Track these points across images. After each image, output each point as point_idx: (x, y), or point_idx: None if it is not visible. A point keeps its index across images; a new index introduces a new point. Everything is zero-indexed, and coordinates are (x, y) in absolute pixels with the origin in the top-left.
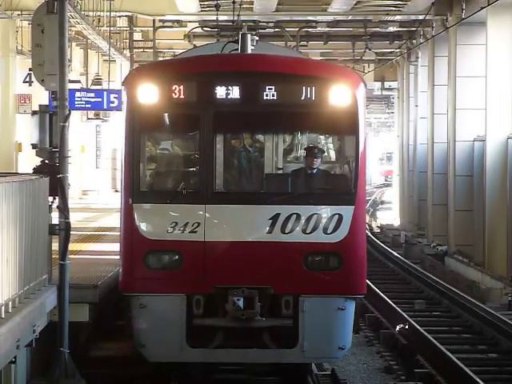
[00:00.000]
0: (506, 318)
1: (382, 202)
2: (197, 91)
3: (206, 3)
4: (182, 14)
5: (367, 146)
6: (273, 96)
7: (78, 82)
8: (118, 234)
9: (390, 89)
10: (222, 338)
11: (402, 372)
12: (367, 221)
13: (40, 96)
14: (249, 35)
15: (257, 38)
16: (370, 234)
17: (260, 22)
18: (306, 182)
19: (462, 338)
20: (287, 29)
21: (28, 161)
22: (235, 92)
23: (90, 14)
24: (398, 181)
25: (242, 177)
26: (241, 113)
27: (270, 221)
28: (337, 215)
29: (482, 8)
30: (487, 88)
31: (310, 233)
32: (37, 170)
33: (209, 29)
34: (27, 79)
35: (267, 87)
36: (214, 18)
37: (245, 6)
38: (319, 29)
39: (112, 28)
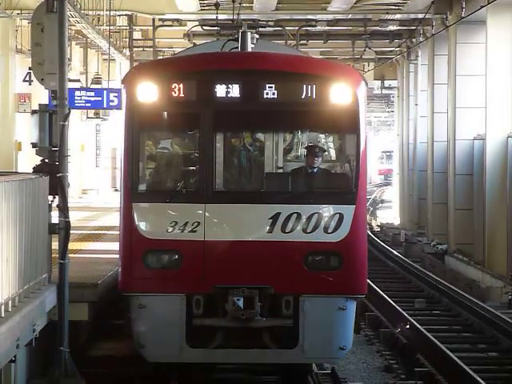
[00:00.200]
0: (506, 317)
1: (382, 201)
2: (196, 90)
3: (205, 2)
4: (182, 13)
5: (368, 145)
6: (273, 94)
7: (78, 81)
8: (118, 233)
9: (389, 87)
10: (221, 338)
11: (402, 371)
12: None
13: (40, 95)
14: (249, 33)
15: (257, 36)
16: (370, 232)
17: (260, 20)
18: (306, 181)
19: (462, 336)
20: (287, 28)
21: (28, 160)
22: (235, 90)
23: (90, 12)
24: (397, 179)
25: (242, 176)
26: (241, 111)
27: (271, 220)
28: (337, 214)
29: (482, 7)
30: (487, 87)
31: (310, 232)
32: (37, 169)
33: (208, 27)
34: (27, 78)
35: (267, 85)
36: (213, 16)
37: (244, 4)
38: (319, 27)
39: (112, 27)
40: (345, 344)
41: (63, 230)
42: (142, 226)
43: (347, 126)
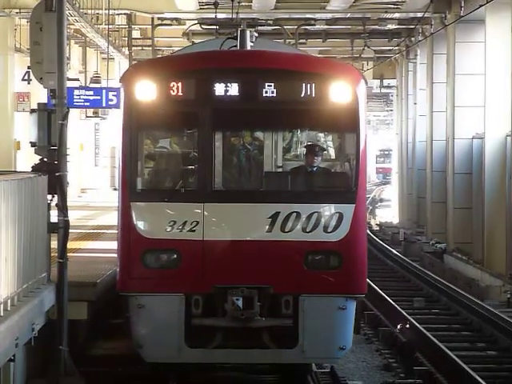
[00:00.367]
0: (505, 316)
1: (381, 200)
2: (195, 88)
3: (204, 1)
4: (181, 12)
5: (368, 144)
6: (272, 93)
7: (77, 80)
8: (117, 232)
9: (388, 86)
10: (221, 339)
11: (401, 370)
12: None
13: (39, 94)
14: (248, 31)
15: (256, 35)
16: (369, 231)
17: (259, 19)
18: (306, 180)
19: (461, 335)
20: (286, 26)
21: (27, 159)
22: (234, 89)
23: (89, 11)
24: (397, 178)
25: (241, 175)
26: (240, 110)
27: (270, 219)
28: (337, 214)
29: (481, 6)
30: (486, 86)
31: (310, 231)
32: (35, 168)
33: (207, 26)
34: (26, 77)
35: (266, 84)
36: (212, 15)
37: (243, 3)
38: (318, 26)
39: (111, 26)
40: (345, 344)
41: (62, 228)
42: (141, 225)
43: (347, 125)
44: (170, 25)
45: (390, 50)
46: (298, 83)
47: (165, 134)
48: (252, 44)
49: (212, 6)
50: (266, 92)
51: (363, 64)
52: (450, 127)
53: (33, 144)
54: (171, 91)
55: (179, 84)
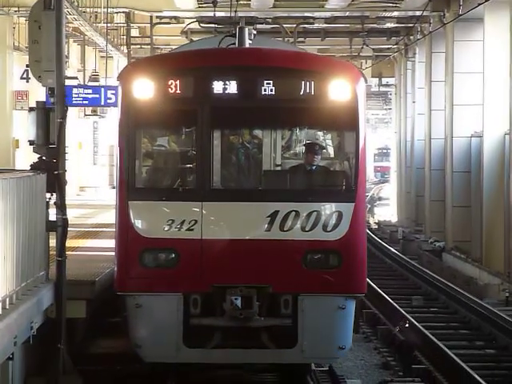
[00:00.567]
0: (504, 314)
1: (380, 198)
2: (193, 86)
3: None
4: (180, 11)
5: (367, 142)
6: (271, 91)
7: (76, 78)
8: (114, 231)
9: (387, 85)
10: (219, 338)
11: (400, 368)
12: None
13: (37, 92)
14: (246, 29)
15: (254, 32)
16: (367, 230)
17: (257, 18)
18: (305, 178)
19: (460, 333)
20: (284, 25)
21: (25, 157)
22: (232, 87)
23: (87, 10)
24: (395, 177)
25: (240, 173)
26: (238, 108)
27: (269, 218)
28: (337, 212)
29: (480, 4)
30: (484, 84)
31: (309, 230)
32: (34, 167)
33: (205, 25)
34: (24, 76)
35: (265, 82)
36: (211, 14)
37: (242, 2)
38: (317, 25)
39: (109, 24)
40: (344, 344)
41: (61, 227)
42: (139, 224)
43: (346, 123)
44: (169, 23)
45: (388, 48)
46: (297, 81)
47: (163, 132)
48: (250, 42)
49: (211, 5)
50: (265, 90)
51: (362, 62)
52: (448, 126)
53: (31, 142)
54: (169, 89)
55: (177, 82)
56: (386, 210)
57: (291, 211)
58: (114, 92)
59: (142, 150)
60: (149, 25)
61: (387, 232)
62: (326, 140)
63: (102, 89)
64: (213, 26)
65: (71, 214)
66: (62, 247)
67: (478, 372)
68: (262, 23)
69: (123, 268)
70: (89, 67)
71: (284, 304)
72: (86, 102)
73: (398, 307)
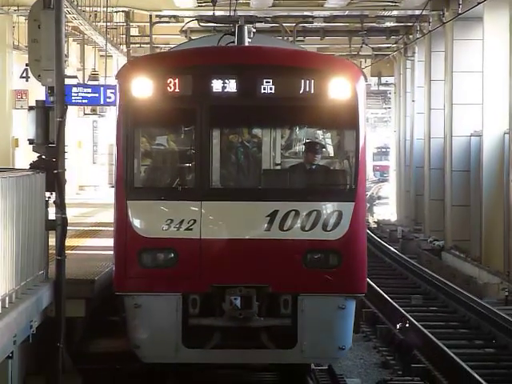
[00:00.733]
0: (503, 313)
1: (379, 197)
2: (192, 85)
3: None
4: (179, 10)
5: (367, 141)
6: (270, 89)
7: (75, 77)
8: (113, 230)
9: (386, 84)
10: (219, 339)
11: (399, 367)
12: None
13: (37, 91)
14: (245, 27)
15: (254, 30)
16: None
17: (257, 17)
18: (305, 177)
19: (459, 333)
20: (284, 24)
21: (25, 156)
22: (232, 85)
23: (87, 9)
24: (394, 176)
25: (239, 172)
26: (238, 107)
27: (268, 218)
28: (336, 212)
29: (479, 3)
30: (484, 83)
31: (309, 230)
32: (33, 166)
33: (205, 24)
34: (24, 75)
35: (265, 80)
36: (210, 13)
37: (241, 1)
38: (316, 24)
39: (109, 23)
40: (344, 344)
41: (60, 226)
42: (137, 223)
43: (346, 122)
44: (168, 22)
45: (388, 47)
46: (297, 79)
47: (161, 131)
48: (250, 40)
49: (210, 4)
50: (265, 88)
51: (361, 61)
52: (447, 125)
53: (31, 141)
54: (168, 88)
55: (176, 80)
56: (386, 209)
57: (291, 210)
58: (113, 91)
59: (140, 149)
60: (148, 24)
61: (386, 231)
62: (326, 139)
63: (102, 88)
64: (212, 25)
65: (70, 213)
66: (61, 246)
67: (477, 371)
68: (262, 22)
69: (122, 268)
70: (88, 66)
71: (284, 304)
72: (86, 100)
73: (397, 306)
